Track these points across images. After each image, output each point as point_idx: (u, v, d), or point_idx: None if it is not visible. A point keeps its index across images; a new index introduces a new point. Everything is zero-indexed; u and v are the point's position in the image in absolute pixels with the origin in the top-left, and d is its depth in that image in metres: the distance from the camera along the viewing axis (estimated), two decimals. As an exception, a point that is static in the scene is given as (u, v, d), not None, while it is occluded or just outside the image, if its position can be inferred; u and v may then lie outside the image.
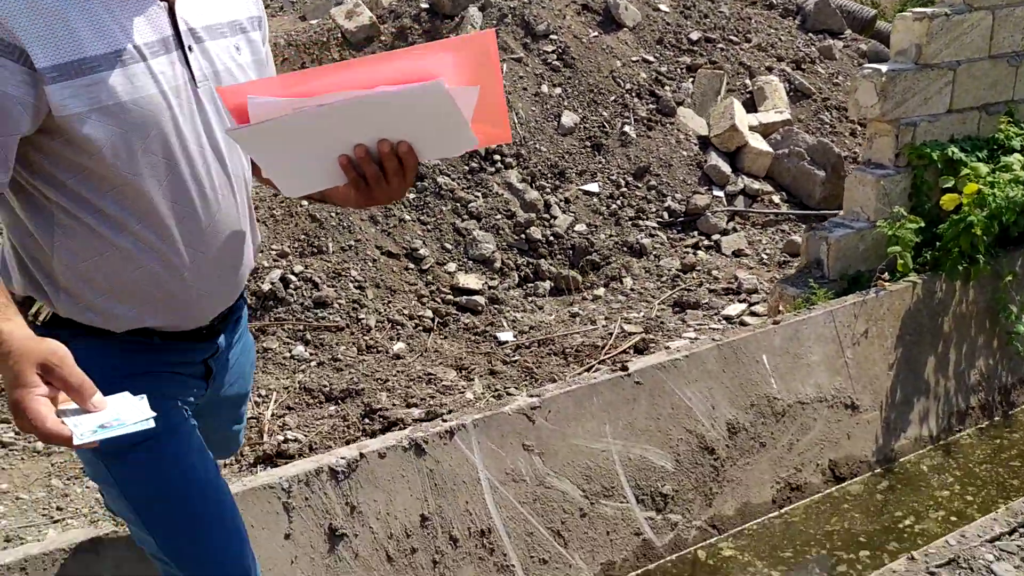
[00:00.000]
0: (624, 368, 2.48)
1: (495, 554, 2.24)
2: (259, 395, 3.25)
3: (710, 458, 2.53)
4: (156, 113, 1.27)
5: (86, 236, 1.30)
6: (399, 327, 3.76)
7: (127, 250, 1.32)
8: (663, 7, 5.74)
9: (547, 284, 4.19)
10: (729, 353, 2.61)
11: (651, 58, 5.37)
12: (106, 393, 1.11)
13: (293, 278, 3.82)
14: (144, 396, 1.14)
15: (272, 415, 3.17)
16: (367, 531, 2.12)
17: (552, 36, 5.19)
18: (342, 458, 2.13)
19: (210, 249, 1.40)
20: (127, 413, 1.10)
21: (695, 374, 2.55)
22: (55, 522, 2.66)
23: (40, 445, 3.02)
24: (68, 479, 2.88)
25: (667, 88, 5.20)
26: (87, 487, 2.84)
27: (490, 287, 4.09)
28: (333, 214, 4.17)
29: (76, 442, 1.04)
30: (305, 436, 3.03)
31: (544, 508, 2.32)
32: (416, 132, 1.24)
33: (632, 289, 4.17)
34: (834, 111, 5.28)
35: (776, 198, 4.71)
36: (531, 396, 2.37)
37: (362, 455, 2.15)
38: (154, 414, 1.11)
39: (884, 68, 3.22)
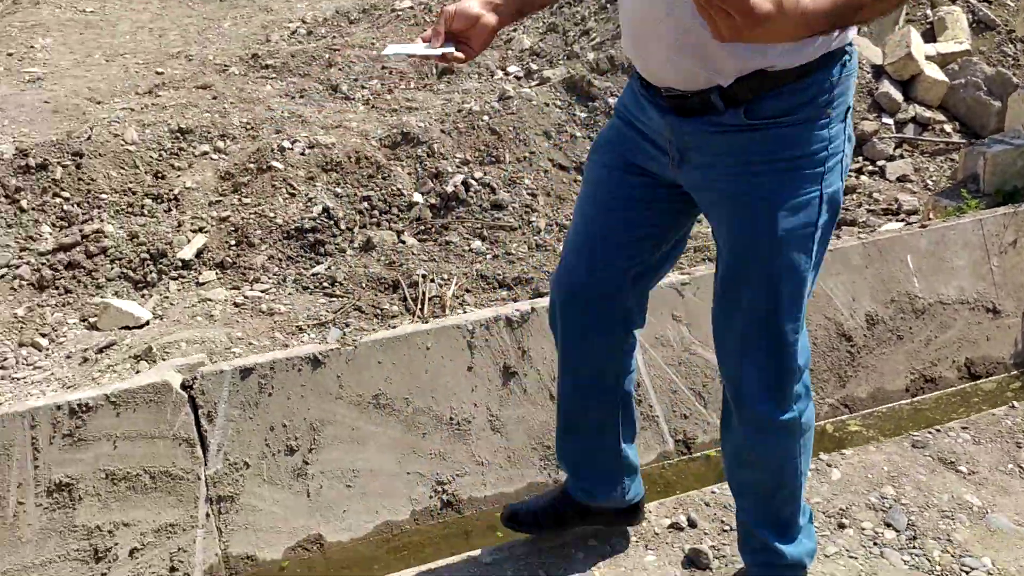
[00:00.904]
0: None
1: (642, 404, 2.58)
2: (442, 278, 3.71)
3: (846, 344, 2.75)
4: None
5: None
6: (565, 230, 4.11)
7: None
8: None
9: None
10: (874, 251, 2.80)
11: (829, -12, 5.37)
12: None
13: (473, 183, 4.25)
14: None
15: (453, 295, 3.62)
16: (534, 372, 2.51)
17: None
18: (517, 310, 2.52)
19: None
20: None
21: (838, 267, 2.76)
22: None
23: (264, 306, 3.62)
24: (288, 333, 3.45)
25: (843, 18, 5.21)
26: (303, 340, 3.39)
27: (652, 200, 4.36)
28: (511, 128, 4.56)
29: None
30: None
31: (688, 371, 2.63)
32: None
33: (790, 209, 4.32)
34: (1019, 43, 5.12)
35: (948, 127, 4.68)
36: (682, 274, 2.66)
37: (533, 309, 2.53)
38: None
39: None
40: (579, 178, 4.45)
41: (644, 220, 1.85)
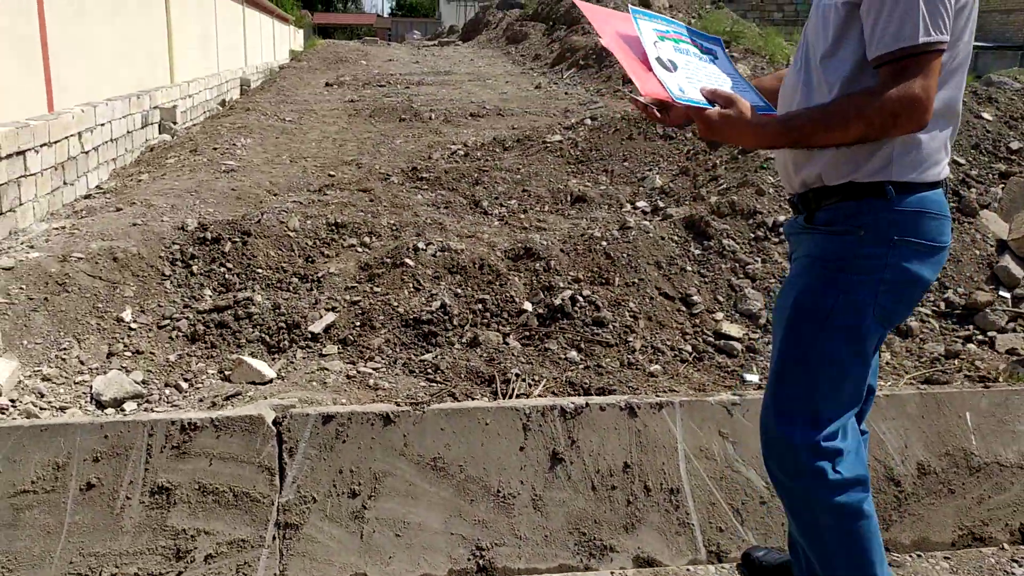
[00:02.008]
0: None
1: (679, 511, 2.74)
2: (532, 379, 4.01)
3: (894, 488, 2.81)
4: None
5: None
6: (659, 353, 4.34)
7: None
8: (986, 115, 5.81)
9: (805, 346, 4.52)
10: (931, 403, 2.87)
11: (962, 161, 5.48)
12: None
13: (580, 299, 4.57)
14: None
15: (538, 395, 3.90)
16: (580, 461, 2.74)
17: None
18: (572, 403, 2.78)
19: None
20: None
21: (893, 412, 2.86)
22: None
23: (372, 381, 4.03)
24: (385, 406, 3.82)
25: (973, 190, 5.29)
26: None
27: (750, 338, 4.52)
28: (625, 255, 4.89)
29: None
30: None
31: (728, 486, 2.78)
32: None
33: (888, 363, 4.36)
34: None
35: (1068, 306, 4.61)
36: (734, 394, 2.85)
37: (587, 404, 2.78)
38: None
39: None
40: (682, 308, 4.70)
41: None
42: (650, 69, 1.81)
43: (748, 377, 4.17)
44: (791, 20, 27.59)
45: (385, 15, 75.08)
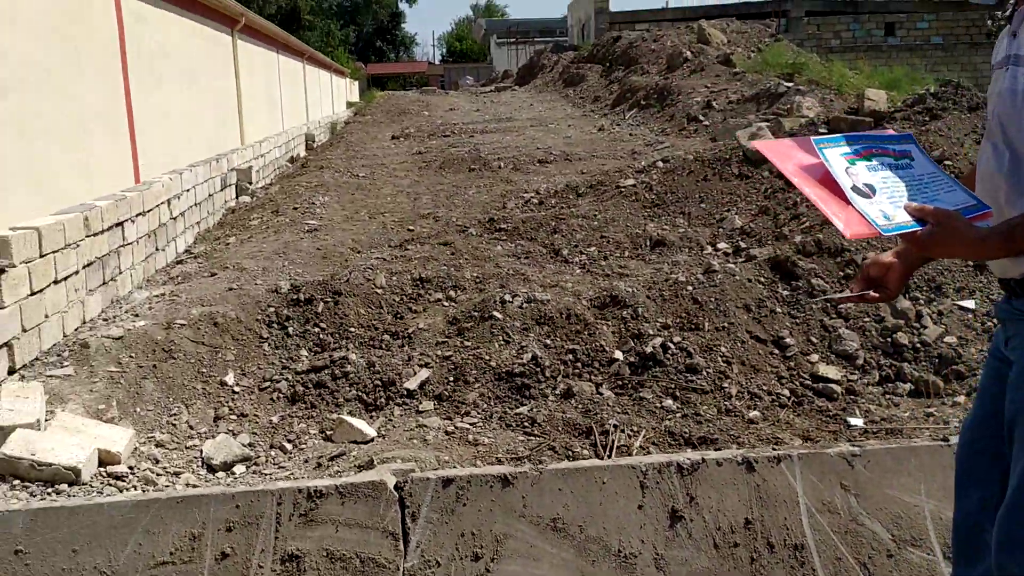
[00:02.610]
0: (945, 439, 2.81)
1: (804, 567, 2.70)
2: (631, 429, 4.00)
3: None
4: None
5: None
6: (757, 399, 4.29)
7: None
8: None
9: (907, 386, 4.43)
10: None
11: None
12: None
13: (671, 346, 4.56)
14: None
15: (639, 446, 3.89)
16: (700, 519, 2.72)
17: (947, 162, 5.45)
18: (688, 459, 2.77)
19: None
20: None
21: None
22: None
23: (471, 437, 4.07)
24: (487, 462, 3.86)
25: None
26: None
27: (849, 380, 4.45)
28: (712, 299, 4.88)
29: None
30: (664, 465, 3.69)
31: (854, 540, 2.73)
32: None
33: None
34: None
35: None
36: (853, 445, 2.80)
37: (703, 460, 2.77)
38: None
39: None
40: (775, 351, 4.65)
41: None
42: (848, 202, 1.68)
43: (852, 421, 4.09)
44: (849, 47, 27.33)
45: (436, 62, 76.62)
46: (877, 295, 2.12)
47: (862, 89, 8.51)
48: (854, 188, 1.73)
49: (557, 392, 4.38)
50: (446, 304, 5.29)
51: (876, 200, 1.71)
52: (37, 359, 4.45)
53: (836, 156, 1.76)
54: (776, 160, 1.77)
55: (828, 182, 1.73)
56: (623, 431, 4.01)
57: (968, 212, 1.76)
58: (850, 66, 13.66)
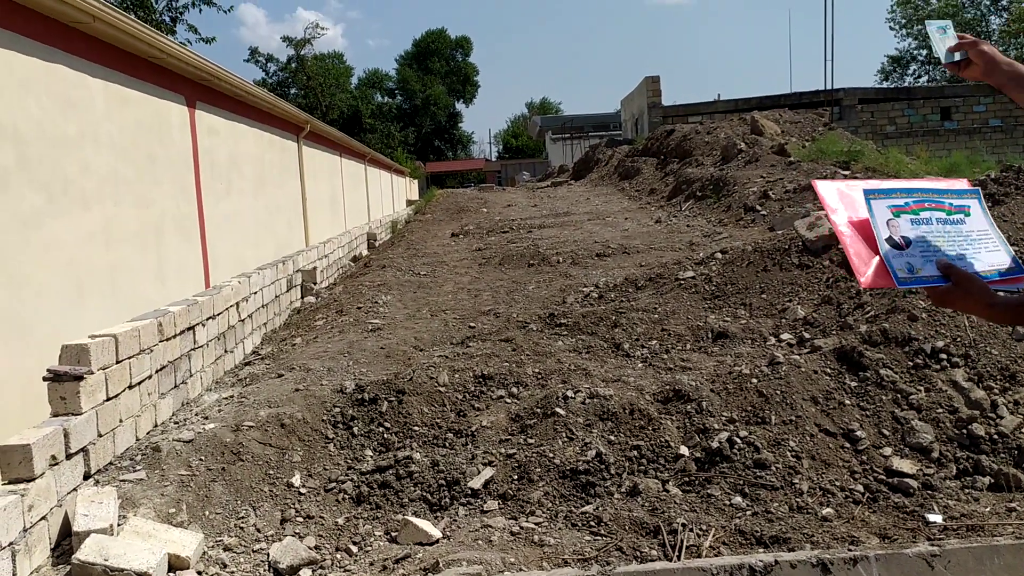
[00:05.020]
0: (1032, 537, 2.68)
1: (889, 676, 2.57)
2: (700, 528, 3.91)
3: None
4: None
5: None
6: (830, 495, 4.16)
7: None
8: None
9: (987, 479, 4.25)
10: None
11: None
12: None
13: (738, 440, 4.48)
14: None
15: (709, 545, 3.79)
16: (775, 624, 2.63)
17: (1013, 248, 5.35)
18: (760, 560, 2.70)
19: None
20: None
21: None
22: None
23: (536, 537, 4.02)
24: (554, 564, 3.79)
25: None
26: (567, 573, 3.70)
27: (925, 473, 4.29)
28: (778, 392, 4.80)
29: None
30: (735, 566, 3.58)
31: (940, 648, 2.60)
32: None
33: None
34: None
35: None
36: (932, 544, 2.70)
37: (776, 562, 2.70)
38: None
39: None
40: (846, 445, 4.52)
41: None
42: (878, 252, 1.76)
43: (931, 518, 3.93)
44: (904, 132, 27.22)
45: (493, 158, 78.51)
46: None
47: (921, 175, 8.46)
48: (889, 239, 1.78)
49: (623, 490, 4.31)
50: (508, 401, 5.30)
51: (907, 253, 1.77)
52: (111, 463, 4.57)
53: (882, 208, 1.83)
54: (829, 207, 1.85)
55: (868, 232, 1.78)
56: (692, 530, 3.92)
57: (1005, 274, 1.81)
58: (907, 152, 13.60)
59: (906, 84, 41.02)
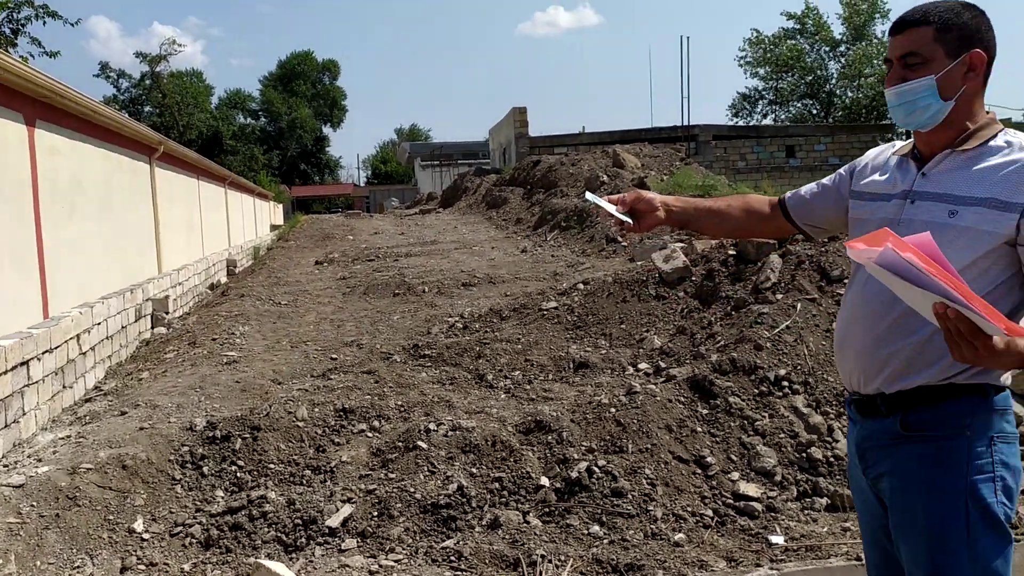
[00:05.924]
0: (859, 558, 2.84)
1: None
2: (559, 559, 3.94)
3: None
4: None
5: None
6: (682, 520, 4.29)
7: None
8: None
9: (824, 500, 4.50)
10: None
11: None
12: None
13: (596, 470, 4.56)
14: None
15: (567, 577, 3.82)
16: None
17: (846, 280, 5.72)
18: (613, 592, 2.73)
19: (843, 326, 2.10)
20: None
21: None
22: None
23: (395, 575, 3.94)
24: None
25: None
26: None
27: (768, 496, 4.50)
28: (635, 421, 4.92)
29: None
30: (592, 597, 3.62)
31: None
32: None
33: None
34: None
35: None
36: (771, 568, 2.82)
37: (628, 593, 2.73)
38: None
39: None
40: (697, 471, 4.68)
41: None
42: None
43: (773, 539, 4.11)
44: (754, 168, 28.89)
45: (361, 184, 77.58)
46: (631, 223, 2.26)
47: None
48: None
49: (484, 522, 4.30)
50: (370, 435, 5.20)
51: None
52: (-72, 513, 4.18)
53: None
54: (905, 267, 1.59)
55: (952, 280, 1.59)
56: (551, 561, 3.95)
57: None
58: (756, 187, 14.38)
59: (754, 121, 43.45)
